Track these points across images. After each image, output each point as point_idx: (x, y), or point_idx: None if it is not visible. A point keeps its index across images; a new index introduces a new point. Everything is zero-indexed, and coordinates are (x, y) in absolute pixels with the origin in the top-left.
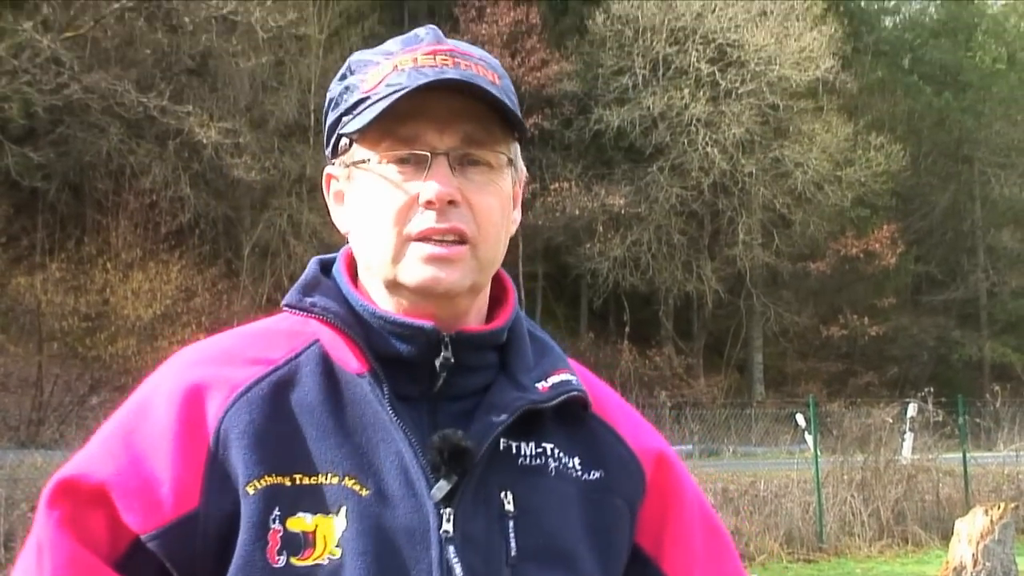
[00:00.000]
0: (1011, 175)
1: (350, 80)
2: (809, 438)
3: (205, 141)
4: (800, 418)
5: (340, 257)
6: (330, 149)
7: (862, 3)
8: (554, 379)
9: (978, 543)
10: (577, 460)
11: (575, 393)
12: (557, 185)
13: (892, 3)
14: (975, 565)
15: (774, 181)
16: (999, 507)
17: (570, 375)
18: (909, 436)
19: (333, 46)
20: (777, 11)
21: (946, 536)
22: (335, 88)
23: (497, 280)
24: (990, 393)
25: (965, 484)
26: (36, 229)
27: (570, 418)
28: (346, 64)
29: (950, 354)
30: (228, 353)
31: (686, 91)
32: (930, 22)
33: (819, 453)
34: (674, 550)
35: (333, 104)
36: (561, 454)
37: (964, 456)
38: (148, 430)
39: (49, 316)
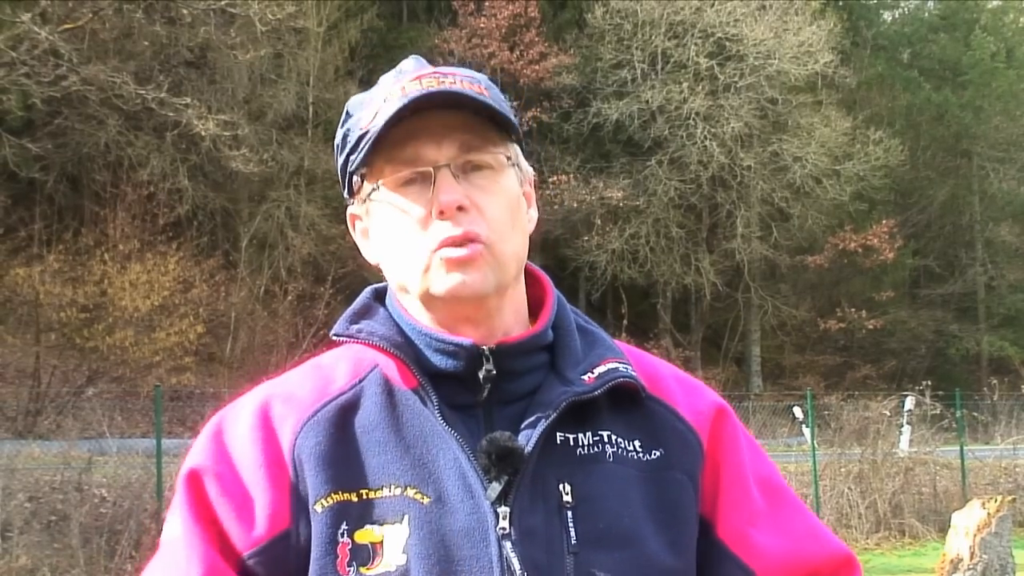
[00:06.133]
0: (1010, 169)
1: (349, 123)
2: (807, 431)
3: (203, 133)
4: (798, 411)
5: (390, 284)
6: (347, 191)
7: None
8: (600, 369)
9: (975, 536)
10: (637, 443)
11: (621, 380)
12: (555, 178)
13: None
14: (972, 558)
15: (772, 175)
16: (996, 500)
17: (618, 363)
18: (906, 429)
19: (332, 39)
20: (776, 5)
21: (943, 529)
22: (338, 133)
23: (536, 283)
24: (987, 387)
25: (962, 477)
26: (34, 220)
27: (627, 403)
28: (344, 110)
29: (947, 348)
30: (299, 383)
31: (685, 85)
32: (929, 17)
33: (816, 446)
34: (726, 509)
35: (340, 148)
36: (619, 439)
37: (961, 449)
38: (236, 454)
39: (47, 307)
